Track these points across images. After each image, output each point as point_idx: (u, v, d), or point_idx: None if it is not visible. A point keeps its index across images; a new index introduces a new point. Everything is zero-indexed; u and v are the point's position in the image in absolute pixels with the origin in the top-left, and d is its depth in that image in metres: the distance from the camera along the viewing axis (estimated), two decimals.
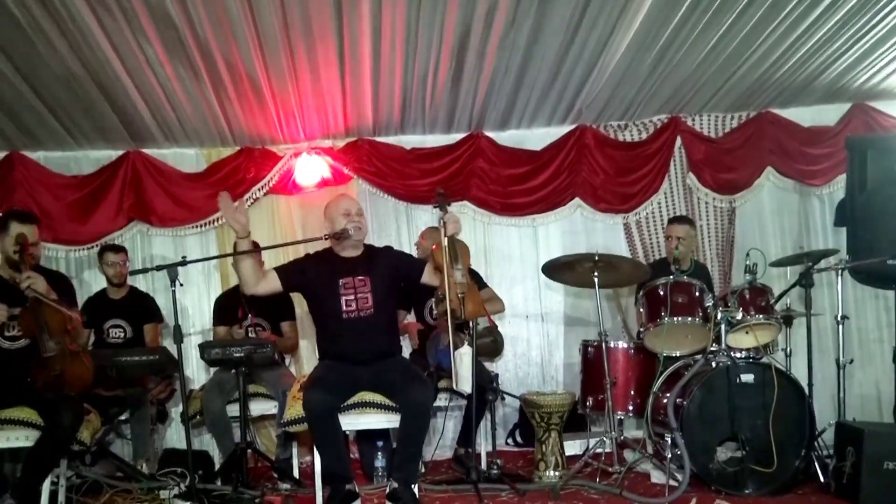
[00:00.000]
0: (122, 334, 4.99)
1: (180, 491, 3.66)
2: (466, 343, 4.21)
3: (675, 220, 5.03)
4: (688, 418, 3.73)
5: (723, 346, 3.92)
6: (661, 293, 4.06)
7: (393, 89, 4.96)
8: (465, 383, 4.10)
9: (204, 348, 4.08)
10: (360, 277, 3.83)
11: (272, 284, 3.83)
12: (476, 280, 4.90)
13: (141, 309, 5.08)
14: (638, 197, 5.78)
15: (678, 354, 4.16)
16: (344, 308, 3.78)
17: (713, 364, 3.91)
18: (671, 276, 4.08)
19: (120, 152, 5.59)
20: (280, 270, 3.87)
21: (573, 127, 5.81)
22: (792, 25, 4.45)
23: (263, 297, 4.89)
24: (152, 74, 4.49)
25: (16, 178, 5.44)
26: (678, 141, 5.80)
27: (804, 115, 5.86)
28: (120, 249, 5.06)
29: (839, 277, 4.10)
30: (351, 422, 3.70)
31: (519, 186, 5.77)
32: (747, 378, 3.78)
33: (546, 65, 4.74)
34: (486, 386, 4.25)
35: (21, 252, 3.66)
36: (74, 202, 5.52)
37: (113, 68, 4.36)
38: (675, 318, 3.99)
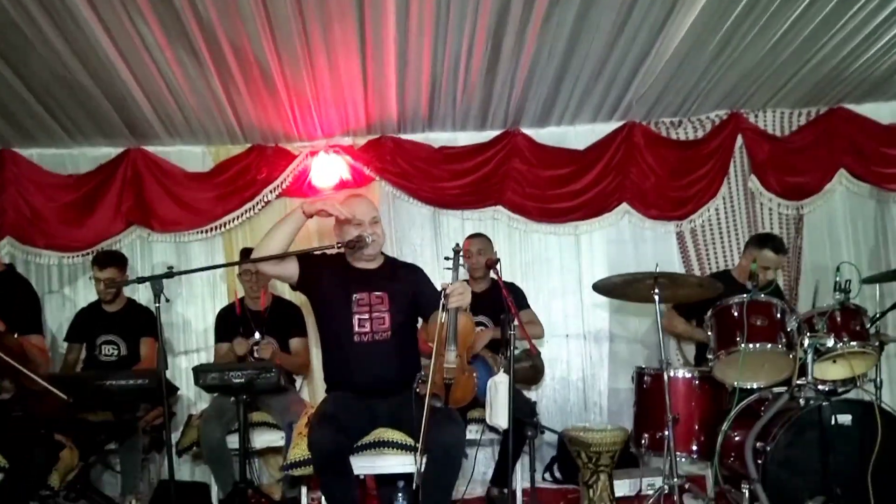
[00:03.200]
0: (116, 351, 4.53)
1: None
2: (502, 370, 3.66)
3: (771, 247, 4.31)
4: (771, 466, 3.10)
5: (809, 378, 3.29)
6: (736, 314, 3.44)
7: (420, 79, 4.43)
8: (500, 417, 3.54)
9: (199, 373, 3.55)
10: (377, 293, 3.28)
11: (288, 269, 3.26)
12: (518, 300, 4.38)
13: (138, 324, 4.60)
14: (693, 202, 5.19)
15: (752, 386, 3.53)
16: (356, 329, 3.22)
17: (801, 401, 3.28)
18: (747, 295, 3.46)
19: (120, 150, 5.15)
20: (300, 258, 3.28)
21: (621, 124, 5.24)
22: (874, 11, 3.94)
23: (271, 311, 4.47)
24: (151, 61, 4.02)
25: (6, 177, 5.03)
26: (739, 140, 5.23)
27: (882, 111, 5.26)
28: (109, 263, 4.52)
29: None
30: (366, 465, 3.16)
31: (559, 190, 5.22)
32: (844, 419, 3.16)
33: (594, 51, 4.19)
34: (525, 420, 3.65)
35: None
36: (69, 204, 5.08)
37: (107, 54, 3.90)
38: (753, 345, 3.37)
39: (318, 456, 2.95)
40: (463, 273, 3.24)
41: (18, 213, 5.00)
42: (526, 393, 4.50)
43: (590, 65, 4.38)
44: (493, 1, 3.64)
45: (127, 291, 4.73)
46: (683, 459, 3.64)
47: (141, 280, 3.03)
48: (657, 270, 3.45)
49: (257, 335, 4.28)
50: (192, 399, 4.93)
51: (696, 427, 3.61)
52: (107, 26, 3.67)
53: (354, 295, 3.27)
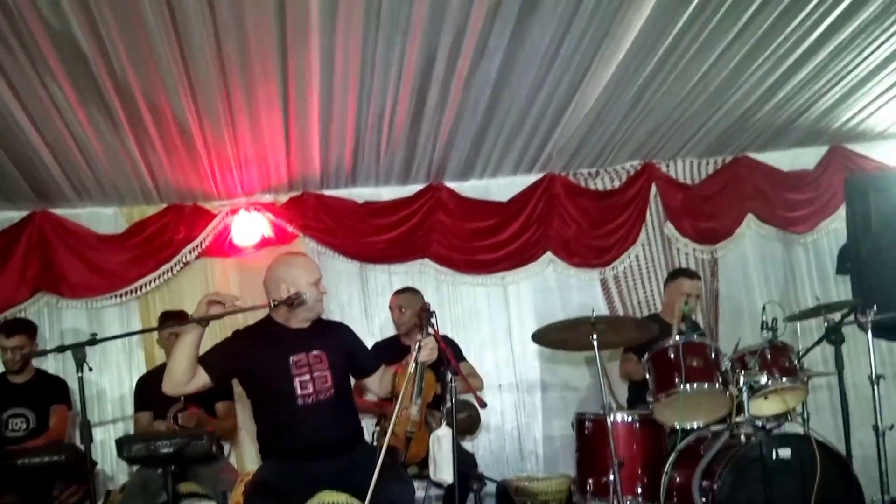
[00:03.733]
0: (25, 425, 4.25)
1: None
2: (444, 423, 3.59)
3: (684, 274, 4.60)
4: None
5: (747, 415, 3.37)
6: (672, 356, 3.50)
7: (344, 135, 4.41)
8: (444, 472, 3.46)
9: (123, 444, 3.32)
10: (314, 353, 3.15)
11: (200, 381, 3.02)
12: (455, 353, 4.36)
13: (48, 393, 4.34)
14: (614, 249, 5.33)
15: (693, 426, 3.58)
16: (299, 392, 3.07)
17: (742, 438, 3.35)
18: (680, 336, 3.54)
19: (24, 213, 4.87)
20: (205, 362, 3.05)
21: (541, 175, 5.36)
22: (773, 66, 4.20)
23: None
24: (61, 121, 3.84)
25: None
26: (653, 189, 5.42)
27: (782, 159, 5.59)
28: (17, 330, 4.30)
29: (869, 331, 3.63)
30: None
31: (484, 241, 5.26)
32: (784, 453, 3.23)
33: (516, 104, 4.28)
34: (469, 472, 3.59)
35: None
36: None
37: (11, 112, 3.69)
38: (692, 386, 3.43)
39: None
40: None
41: None
42: (463, 444, 4.42)
43: (511, 119, 4.45)
44: (416, 59, 3.67)
45: (35, 362, 4.43)
46: (629, 503, 3.64)
47: (62, 349, 2.82)
48: (594, 315, 3.47)
49: (182, 401, 4.08)
50: (110, 473, 4.62)
51: (639, 470, 3.61)
52: (13, 85, 3.48)
53: (291, 357, 3.12)
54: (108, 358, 4.89)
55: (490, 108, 4.26)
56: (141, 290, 4.90)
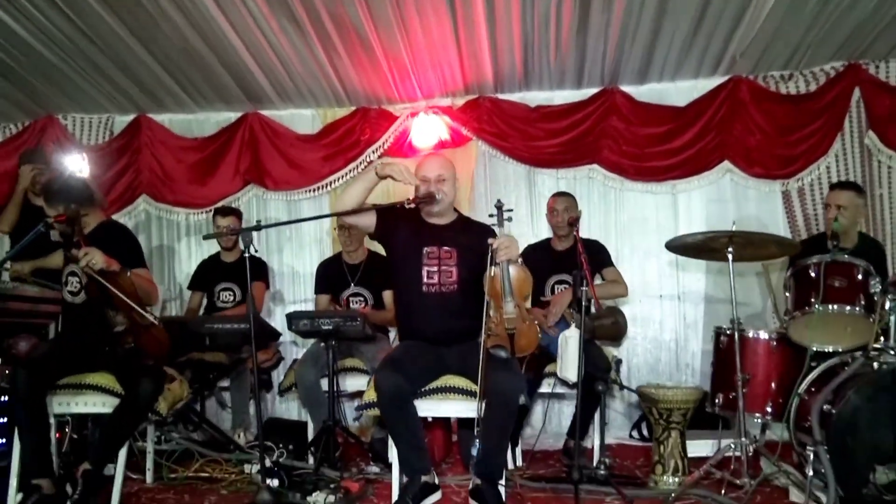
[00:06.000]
0: (232, 298, 4.95)
1: (265, 466, 3.40)
2: (574, 325, 3.71)
3: (835, 186, 4.28)
4: (837, 429, 2.97)
5: (891, 342, 3.12)
6: (813, 274, 3.30)
7: (512, 38, 4.48)
8: (569, 371, 3.63)
9: (292, 319, 3.85)
10: (446, 248, 3.43)
11: (365, 219, 3.47)
12: (602, 258, 4.42)
13: (252, 272, 4.97)
14: (801, 160, 4.89)
15: (834, 349, 3.37)
16: (425, 280, 3.38)
17: (876, 364, 3.12)
18: (827, 255, 3.31)
19: (239, 114, 5.53)
20: (378, 210, 3.48)
21: (725, 79, 5.01)
22: None
23: (365, 265, 4.72)
24: (259, 31, 4.34)
25: (142, 140, 5.52)
26: (856, 93, 4.84)
27: None
28: (230, 213, 4.99)
29: None
30: (430, 408, 3.32)
31: (658, 148, 5.08)
32: None
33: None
34: (598, 375, 3.70)
35: (73, 227, 3.35)
36: (194, 164, 5.52)
37: (220, 26, 4.26)
38: (829, 306, 3.24)
39: (380, 397, 3.15)
40: (507, 228, 3.31)
41: (152, 173, 5.49)
42: (615, 351, 4.48)
43: (688, 14, 4.22)
44: None
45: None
46: (759, 420, 3.56)
47: (233, 232, 3.34)
48: (733, 229, 3.36)
49: (352, 286, 4.60)
50: (300, 344, 5.25)
51: (773, 388, 3.50)
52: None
53: (425, 248, 3.43)
54: (303, 243, 5.54)
55: (661, 2, 4.07)
56: (331, 185, 5.41)
